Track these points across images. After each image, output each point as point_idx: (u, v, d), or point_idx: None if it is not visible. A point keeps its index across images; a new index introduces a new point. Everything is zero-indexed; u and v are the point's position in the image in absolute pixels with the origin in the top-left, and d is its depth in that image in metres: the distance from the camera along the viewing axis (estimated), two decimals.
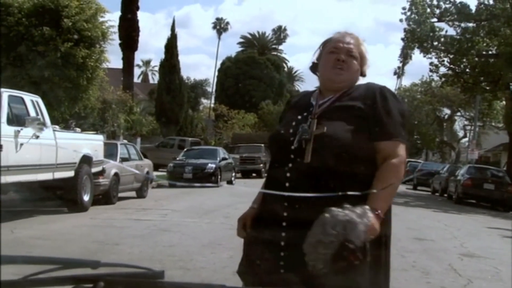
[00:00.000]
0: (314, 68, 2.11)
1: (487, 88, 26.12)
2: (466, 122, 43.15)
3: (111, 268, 0.89)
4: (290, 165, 1.89)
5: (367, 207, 1.71)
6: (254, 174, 25.95)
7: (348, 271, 1.62)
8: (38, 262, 0.92)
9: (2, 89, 8.57)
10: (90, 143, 11.07)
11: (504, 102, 28.40)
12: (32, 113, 8.88)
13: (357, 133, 1.87)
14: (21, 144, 8.19)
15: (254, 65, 50.42)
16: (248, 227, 2.07)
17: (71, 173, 9.95)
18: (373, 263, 1.81)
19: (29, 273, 0.90)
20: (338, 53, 2.00)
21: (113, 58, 56.75)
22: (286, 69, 57.90)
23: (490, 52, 24.34)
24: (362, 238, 1.61)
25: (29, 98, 9.18)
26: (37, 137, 8.63)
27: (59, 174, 9.54)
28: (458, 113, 44.20)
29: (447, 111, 44.97)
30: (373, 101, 1.92)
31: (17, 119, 8.39)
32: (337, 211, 1.65)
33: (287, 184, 1.88)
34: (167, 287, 0.82)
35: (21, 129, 8.26)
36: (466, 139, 42.55)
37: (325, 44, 2.09)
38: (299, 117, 1.99)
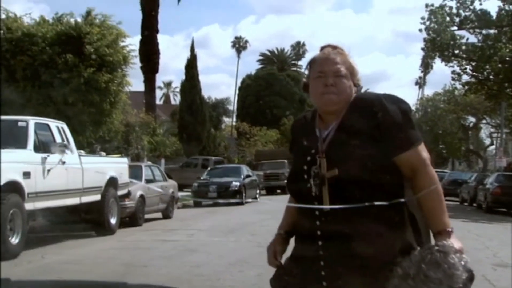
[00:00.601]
0: (305, 88, 2.03)
1: None
2: (492, 130, 42.45)
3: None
4: (317, 212, 1.86)
5: (446, 243, 1.74)
6: (278, 191, 25.87)
7: None
8: (65, 286, 0.91)
9: (29, 117, 8.76)
10: (115, 166, 11.19)
11: None
12: (58, 139, 9.04)
13: (371, 158, 1.81)
14: (48, 170, 8.32)
15: (274, 82, 50.58)
16: (279, 254, 2.05)
17: (97, 197, 10.06)
18: None
19: None
20: (325, 77, 1.91)
21: (135, 81, 57.46)
22: None
23: None
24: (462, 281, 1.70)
25: (54, 124, 9.35)
26: (63, 162, 8.76)
27: (86, 198, 9.65)
28: (484, 121, 43.52)
29: (472, 119, 44.31)
30: (375, 118, 1.85)
31: (43, 146, 8.53)
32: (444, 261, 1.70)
33: (318, 233, 1.86)
34: None
35: (48, 155, 8.40)
36: (493, 146, 41.84)
37: (311, 64, 2.00)
38: (309, 158, 1.92)
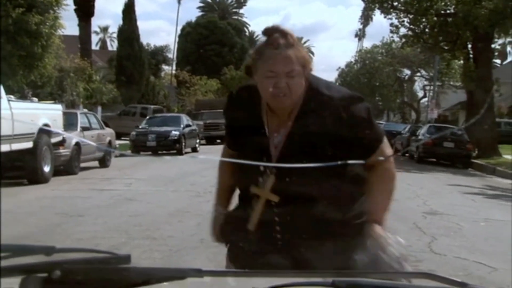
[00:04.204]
0: (249, 72, 1.77)
1: (446, 48, 26.46)
2: (425, 82, 43.88)
3: (69, 253, 0.79)
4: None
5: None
6: (218, 141, 25.83)
7: None
8: None
9: None
10: (49, 113, 10.73)
11: (462, 61, 28.89)
12: None
13: (327, 175, 1.68)
14: None
15: (215, 30, 49.67)
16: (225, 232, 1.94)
17: (29, 144, 9.65)
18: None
19: None
20: (277, 77, 1.68)
21: (69, 25, 55.05)
22: (247, 33, 57.31)
23: (448, 11, 24.57)
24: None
25: None
26: None
27: (17, 146, 9.23)
28: (418, 74, 44.85)
29: (407, 71, 45.59)
30: (338, 118, 1.70)
31: None
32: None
33: (277, 228, 1.77)
34: (133, 274, 0.72)
35: None
36: (426, 99, 43.34)
37: (258, 53, 1.73)
38: (262, 168, 1.75)
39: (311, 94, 1.75)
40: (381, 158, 1.76)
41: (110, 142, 14.28)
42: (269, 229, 1.76)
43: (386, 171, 1.81)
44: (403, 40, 27.79)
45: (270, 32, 1.72)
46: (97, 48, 58.02)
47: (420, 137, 20.48)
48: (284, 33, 1.70)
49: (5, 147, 8.90)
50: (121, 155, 17.36)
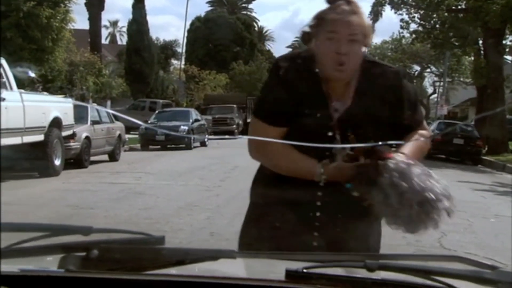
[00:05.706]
0: (306, 39, 1.74)
1: (456, 43, 26.31)
2: (435, 79, 43.62)
3: (105, 234, 0.81)
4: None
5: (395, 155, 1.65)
6: (227, 135, 25.89)
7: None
8: (23, 229, 0.82)
9: None
10: (60, 106, 10.79)
11: (472, 58, 28.70)
12: None
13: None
14: None
15: (224, 25, 49.63)
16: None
17: (40, 137, 9.72)
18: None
19: (12, 241, 0.81)
20: (338, 41, 1.64)
21: (79, 19, 55.23)
22: (256, 28, 57.25)
23: (459, 7, 24.41)
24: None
25: None
26: (3, 99, 8.36)
27: (28, 138, 9.30)
28: (428, 70, 44.59)
29: (417, 67, 45.33)
30: (394, 93, 1.77)
31: None
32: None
33: (318, 203, 1.75)
34: (168, 254, 0.74)
35: None
36: (436, 95, 43.13)
37: (319, 19, 1.70)
38: (327, 133, 1.70)
39: (367, 66, 1.77)
40: (422, 138, 1.84)
41: (120, 136, 14.33)
42: (309, 209, 1.75)
43: (421, 134, 1.85)
44: (414, 36, 27.65)
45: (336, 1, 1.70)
46: (107, 42, 58.22)
47: None
48: (348, 1, 1.69)
49: (17, 140, 8.97)
50: (131, 149, 17.40)
